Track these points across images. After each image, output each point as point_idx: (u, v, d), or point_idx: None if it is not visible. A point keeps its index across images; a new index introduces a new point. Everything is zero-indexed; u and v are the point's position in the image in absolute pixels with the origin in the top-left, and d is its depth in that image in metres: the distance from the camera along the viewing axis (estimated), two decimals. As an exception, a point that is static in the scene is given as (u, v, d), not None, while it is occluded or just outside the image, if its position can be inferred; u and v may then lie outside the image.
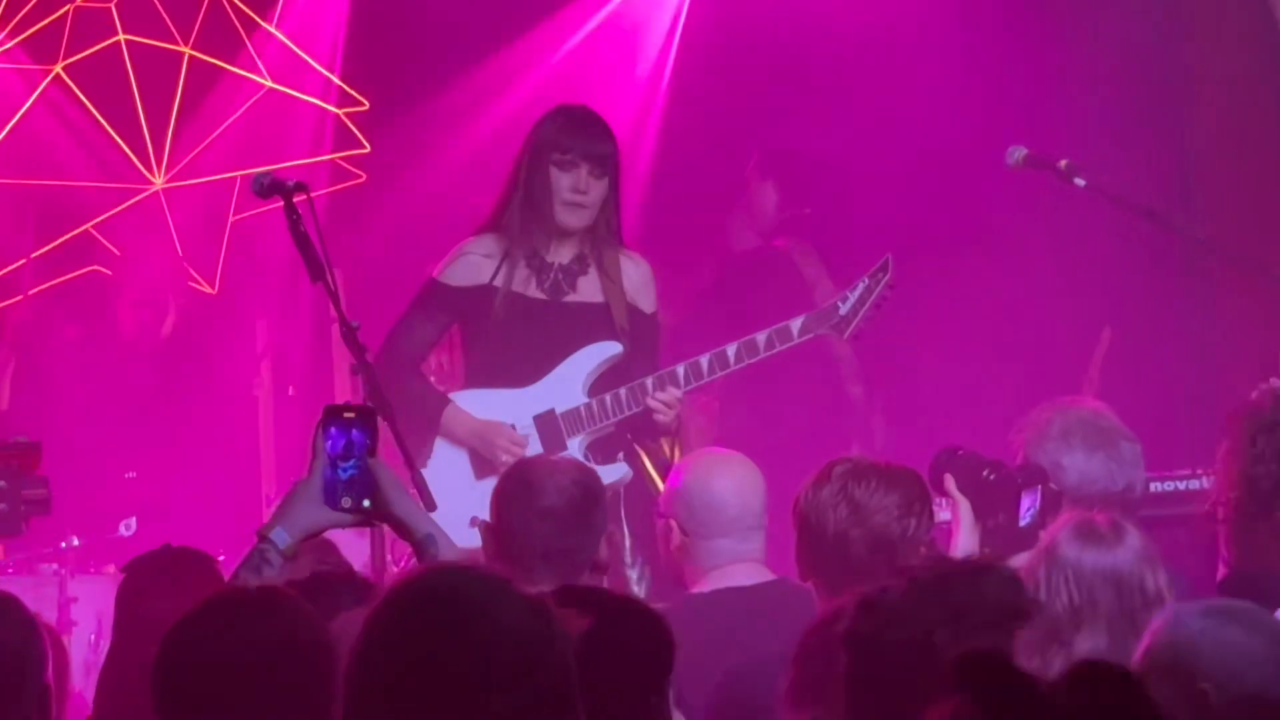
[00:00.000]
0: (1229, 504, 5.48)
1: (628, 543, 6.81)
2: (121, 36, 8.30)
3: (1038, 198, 8.13)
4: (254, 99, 8.63)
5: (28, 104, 8.42)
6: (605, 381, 6.96)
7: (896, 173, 8.69)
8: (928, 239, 8.37)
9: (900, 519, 5.02)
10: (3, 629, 3.75)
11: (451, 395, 7.04)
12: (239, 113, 8.57)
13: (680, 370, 6.89)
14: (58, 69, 8.38)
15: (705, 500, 5.58)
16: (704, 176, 9.16)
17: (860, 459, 5.31)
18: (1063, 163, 6.92)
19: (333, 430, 4.14)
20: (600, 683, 3.02)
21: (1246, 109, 8.69)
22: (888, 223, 8.26)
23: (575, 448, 6.88)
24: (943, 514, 5.53)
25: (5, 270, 8.61)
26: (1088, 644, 4.66)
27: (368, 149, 8.78)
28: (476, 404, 6.97)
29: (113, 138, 8.46)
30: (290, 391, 8.61)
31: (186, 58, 8.43)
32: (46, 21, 8.28)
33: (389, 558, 5.97)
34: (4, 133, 8.44)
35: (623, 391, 6.90)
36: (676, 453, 7.80)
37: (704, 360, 6.90)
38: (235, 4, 8.62)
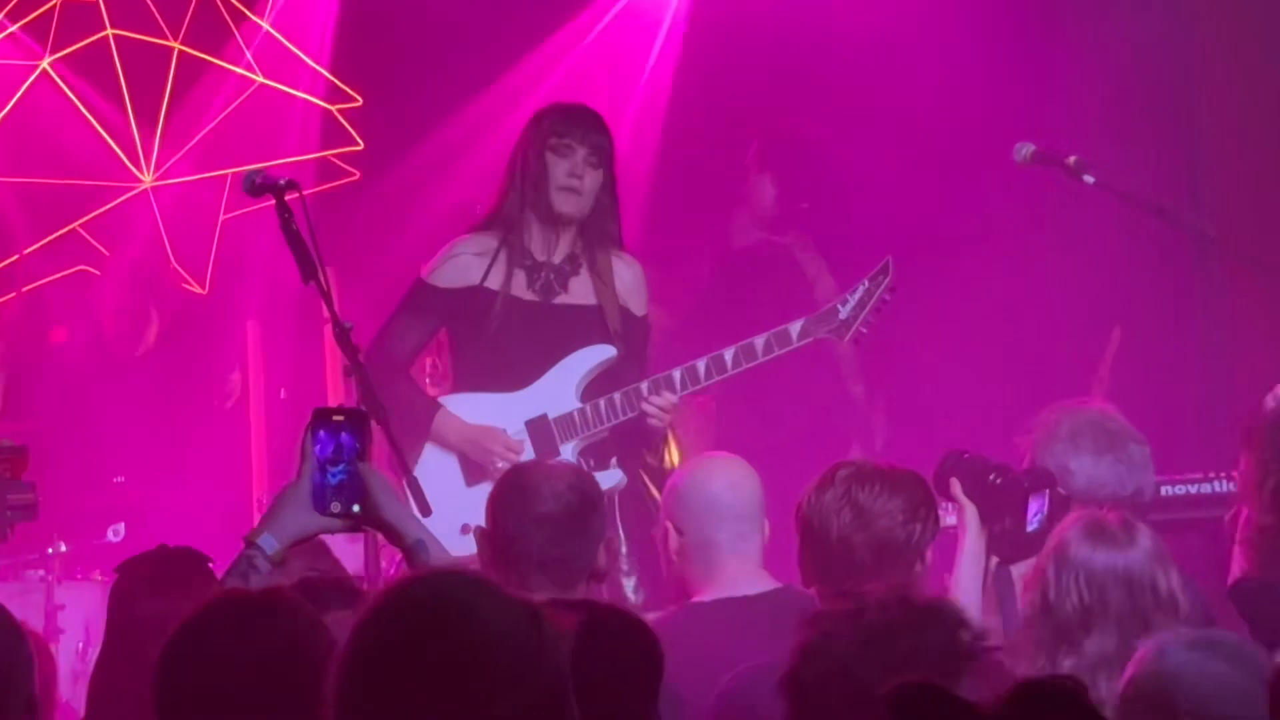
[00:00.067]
0: (1251, 511, 5.49)
1: (624, 549, 6.74)
2: (110, 31, 8.23)
3: (1045, 195, 8.13)
4: (245, 95, 8.56)
5: (15, 99, 8.34)
6: (597, 385, 6.90)
7: (902, 170, 8.69)
8: (933, 237, 8.41)
9: (905, 524, 5.01)
10: (-12, 638, 3.75)
11: (441, 399, 6.97)
12: (229, 109, 8.53)
13: (676, 375, 6.84)
14: (44, 64, 8.31)
15: (700, 498, 5.54)
16: (706, 175, 9.14)
17: (864, 462, 5.29)
18: (1071, 159, 6.91)
19: (321, 434, 4.07)
20: (589, 693, 2.97)
21: (1257, 106, 8.68)
22: (893, 220, 8.25)
23: (568, 453, 6.83)
24: (948, 518, 5.51)
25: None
26: (1097, 645, 4.66)
27: (361, 146, 8.72)
28: (466, 408, 6.89)
29: (101, 135, 8.39)
30: (281, 394, 8.54)
31: (176, 53, 8.37)
32: (34, 15, 8.23)
33: (382, 564, 5.91)
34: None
35: (617, 396, 6.83)
36: (672, 458, 7.74)
37: (700, 365, 6.86)
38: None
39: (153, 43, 8.39)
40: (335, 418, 4.09)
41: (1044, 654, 4.70)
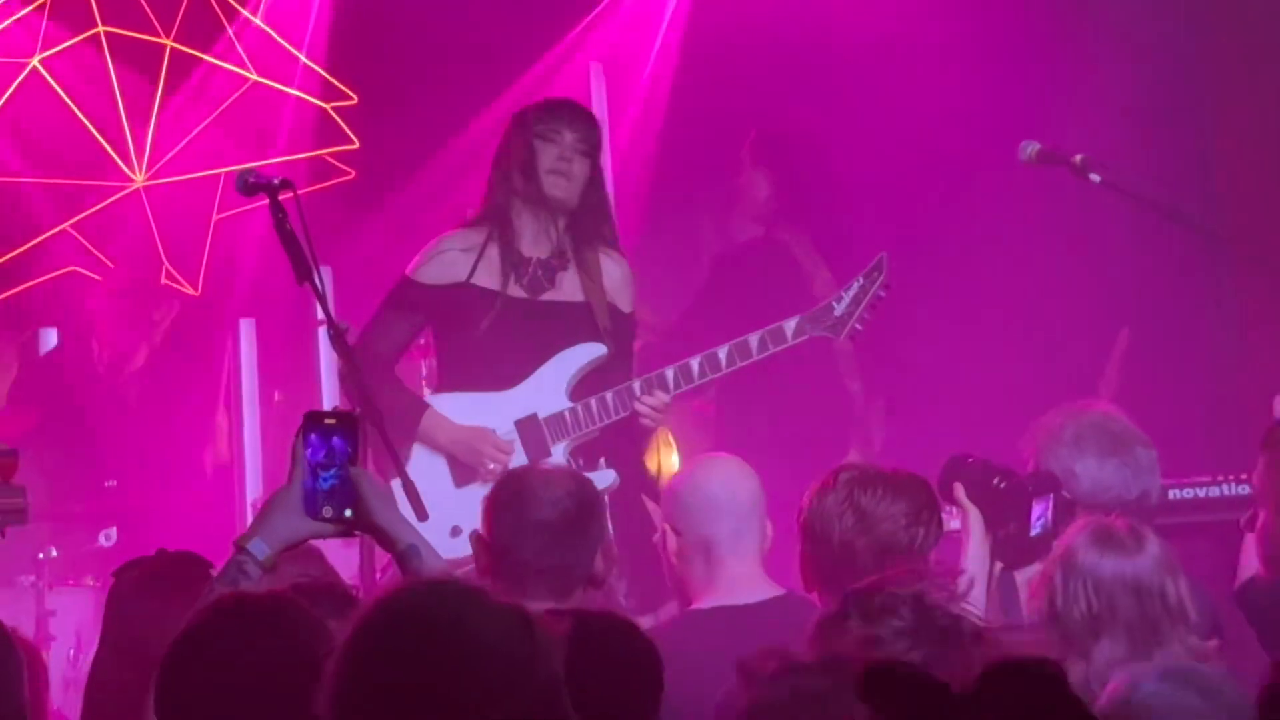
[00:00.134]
0: (1269, 515, 5.47)
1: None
2: (101, 29, 8.18)
3: (1051, 195, 8.09)
4: (239, 93, 8.52)
5: (6, 95, 8.28)
6: (586, 384, 6.83)
7: (907, 169, 8.69)
8: (937, 237, 8.46)
9: (908, 528, 5.02)
10: (-23, 645, 3.73)
11: (427, 398, 6.89)
12: (223, 107, 8.50)
13: (670, 373, 6.79)
14: (34, 62, 8.27)
15: (696, 497, 5.50)
16: (706, 174, 9.10)
17: (867, 466, 5.31)
18: (1077, 158, 6.90)
19: (313, 437, 4.04)
20: (587, 705, 2.97)
21: (1267, 106, 8.67)
22: (897, 219, 8.28)
23: (559, 453, 6.78)
24: (952, 523, 5.50)
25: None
26: (1107, 653, 4.65)
27: (356, 144, 8.69)
28: (453, 408, 6.82)
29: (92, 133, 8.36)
30: (276, 397, 8.48)
31: (168, 50, 8.32)
32: (25, 12, 8.18)
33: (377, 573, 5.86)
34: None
35: (609, 395, 6.78)
36: (671, 464, 7.70)
37: (694, 363, 6.82)
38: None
39: (145, 40, 8.35)
40: (327, 421, 4.06)
41: (1052, 661, 4.67)
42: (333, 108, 8.73)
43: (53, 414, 8.33)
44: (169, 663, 3.45)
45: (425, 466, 6.70)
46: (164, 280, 8.69)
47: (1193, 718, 3.93)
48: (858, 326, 6.86)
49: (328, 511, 4.00)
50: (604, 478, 6.67)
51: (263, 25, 8.69)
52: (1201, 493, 6.81)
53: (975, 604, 5.18)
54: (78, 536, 7.78)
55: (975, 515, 5.42)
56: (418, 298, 6.84)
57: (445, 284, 6.82)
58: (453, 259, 6.82)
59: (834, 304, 6.88)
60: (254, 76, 8.58)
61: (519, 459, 6.68)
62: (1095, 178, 6.84)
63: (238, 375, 8.52)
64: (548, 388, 6.80)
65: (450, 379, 6.90)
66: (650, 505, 6.89)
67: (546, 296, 6.84)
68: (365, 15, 8.96)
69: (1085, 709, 2.59)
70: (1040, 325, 8.60)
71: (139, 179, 8.54)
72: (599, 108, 8.38)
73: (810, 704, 3.31)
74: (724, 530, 5.42)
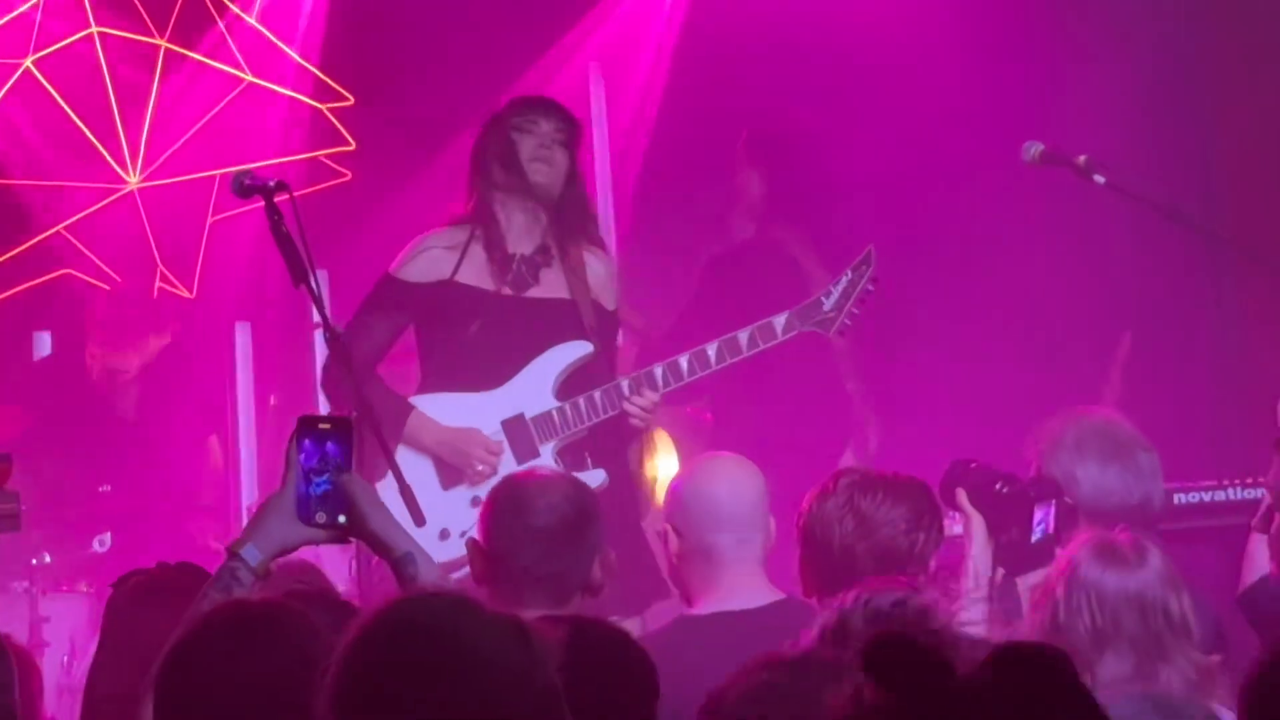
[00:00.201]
0: None
1: None
2: (95, 29, 8.15)
3: (1054, 196, 8.08)
4: (234, 94, 8.49)
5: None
6: (571, 382, 6.76)
7: (907, 169, 8.66)
8: (938, 237, 8.43)
9: (908, 532, 5.02)
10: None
11: (411, 399, 6.80)
12: (218, 108, 8.47)
13: (658, 371, 6.74)
14: (28, 63, 8.22)
15: (699, 498, 5.46)
16: (704, 174, 9.09)
17: (867, 470, 5.30)
18: (1081, 159, 6.89)
19: (306, 442, 3.99)
20: (583, 711, 2.95)
21: (1270, 107, 8.65)
22: (896, 220, 8.23)
23: (547, 454, 6.72)
24: (954, 528, 5.49)
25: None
26: (1113, 668, 4.65)
27: (353, 145, 8.66)
28: (438, 409, 6.74)
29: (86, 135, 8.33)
30: (272, 401, 8.45)
31: (163, 50, 8.29)
32: (17, 13, 8.15)
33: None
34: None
35: (597, 394, 6.72)
36: (661, 469, 7.67)
37: (683, 360, 6.77)
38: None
39: (139, 41, 8.32)
40: (321, 426, 4.01)
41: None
42: (329, 109, 8.71)
43: (47, 419, 8.29)
44: (166, 669, 3.43)
45: (411, 469, 6.59)
46: (159, 284, 8.64)
47: None
48: (847, 322, 6.82)
49: (321, 517, 3.95)
50: (592, 478, 6.61)
51: (258, 26, 8.67)
52: (1206, 497, 6.78)
53: (977, 610, 5.17)
54: (72, 542, 7.74)
55: (978, 521, 5.38)
56: (401, 296, 6.76)
57: (429, 282, 6.75)
58: (436, 257, 6.76)
59: (823, 299, 6.84)
60: (250, 78, 8.56)
61: (507, 460, 6.62)
62: (1099, 179, 6.84)
63: (234, 379, 8.50)
64: (534, 387, 6.73)
65: (434, 379, 6.81)
66: (648, 507, 6.86)
67: (531, 293, 6.78)
68: (362, 16, 8.95)
69: (1091, 698, 2.55)
70: (1040, 326, 8.60)
71: (133, 181, 8.51)
72: (597, 108, 8.37)
73: (788, 698, 3.28)
74: (727, 540, 5.39)
